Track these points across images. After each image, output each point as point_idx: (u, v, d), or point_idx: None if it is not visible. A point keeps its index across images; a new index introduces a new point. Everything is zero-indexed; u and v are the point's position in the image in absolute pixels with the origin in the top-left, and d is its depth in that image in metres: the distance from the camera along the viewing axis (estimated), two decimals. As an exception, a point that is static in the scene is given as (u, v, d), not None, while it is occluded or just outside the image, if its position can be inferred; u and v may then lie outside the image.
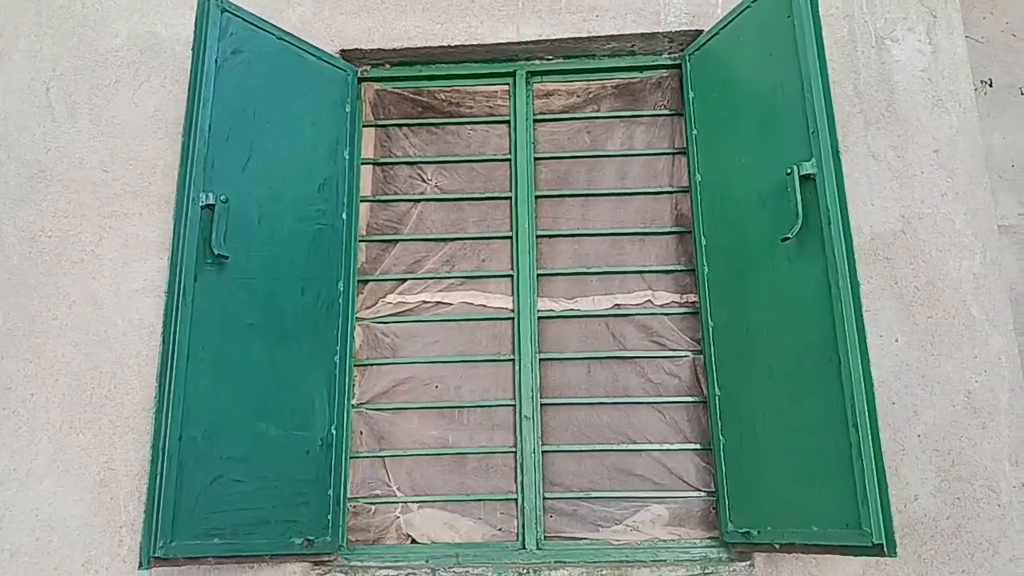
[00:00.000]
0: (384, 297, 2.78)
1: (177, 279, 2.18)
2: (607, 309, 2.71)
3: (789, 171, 2.16)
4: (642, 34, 2.78)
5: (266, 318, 2.38)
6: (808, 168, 2.13)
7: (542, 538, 2.49)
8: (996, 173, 3.44)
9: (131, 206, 2.67)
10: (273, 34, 2.57)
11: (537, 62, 2.90)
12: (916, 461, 2.36)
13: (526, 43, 2.81)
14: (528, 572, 2.39)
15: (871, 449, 1.93)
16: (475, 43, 2.80)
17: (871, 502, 1.90)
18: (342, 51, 2.82)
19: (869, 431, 1.95)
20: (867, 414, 1.96)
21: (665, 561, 2.41)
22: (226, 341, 2.26)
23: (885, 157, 2.59)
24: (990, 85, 3.87)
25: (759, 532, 2.26)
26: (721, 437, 2.45)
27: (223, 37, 2.40)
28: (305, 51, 2.66)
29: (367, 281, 2.78)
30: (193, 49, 2.37)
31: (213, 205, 2.24)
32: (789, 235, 2.13)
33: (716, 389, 2.49)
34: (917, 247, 2.51)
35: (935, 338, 2.44)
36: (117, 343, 2.55)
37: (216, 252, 2.22)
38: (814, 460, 2.08)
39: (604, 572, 2.37)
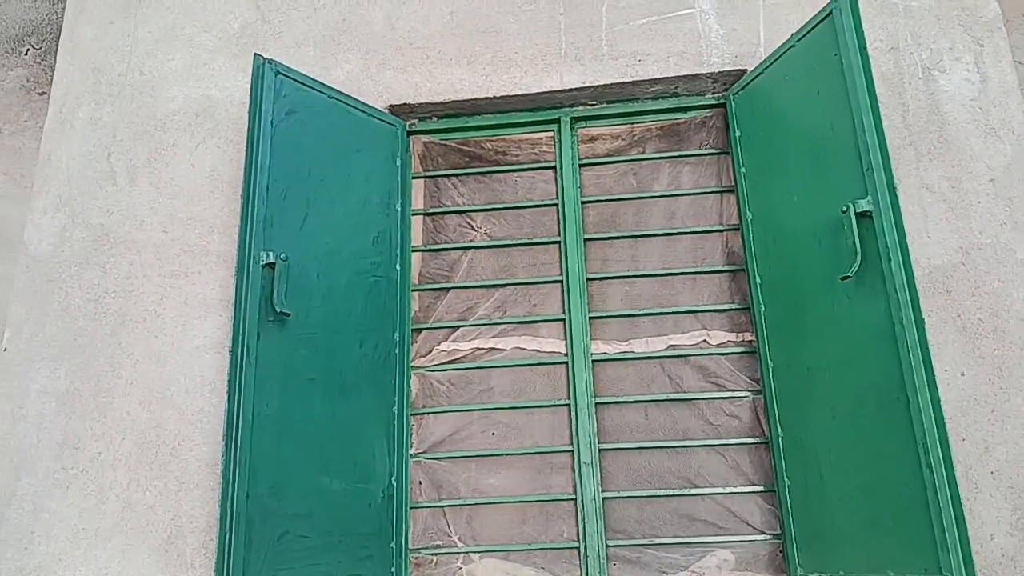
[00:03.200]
0: (438, 345, 2.80)
1: (240, 338, 2.23)
2: (662, 350, 2.70)
3: (845, 209, 2.15)
4: (685, 76, 2.80)
5: (326, 372, 2.41)
6: (864, 205, 2.11)
7: (607, 586, 2.47)
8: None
9: (191, 265, 2.74)
10: (324, 93, 2.63)
11: (581, 108, 2.93)
12: (990, 499, 2.29)
13: (570, 90, 2.84)
14: (595, 622, 2.36)
15: (947, 490, 1.89)
16: (520, 93, 2.85)
17: (951, 545, 1.86)
18: (390, 106, 2.88)
19: (944, 472, 1.90)
20: (941, 454, 1.92)
21: (734, 608, 2.37)
22: (289, 397, 2.29)
23: (939, 188, 2.56)
24: (1036, 107, 3.81)
25: (831, 577, 2.21)
26: (786, 479, 2.41)
27: (277, 99, 2.47)
28: (355, 108, 2.72)
29: (421, 330, 2.81)
30: (249, 112, 2.44)
31: (274, 264, 2.29)
32: (849, 274, 2.11)
33: (778, 430, 2.45)
34: (978, 278, 2.46)
35: (1003, 371, 2.39)
36: (180, 400, 2.60)
37: (278, 310, 2.26)
38: (886, 502, 2.03)
39: (672, 621, 2.33)
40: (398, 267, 2.73)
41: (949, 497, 1.88)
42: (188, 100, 2.95)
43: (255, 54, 2.48)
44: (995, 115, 2.63)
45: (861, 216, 2.13)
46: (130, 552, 2.47)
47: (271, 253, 2.30)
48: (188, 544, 2.45)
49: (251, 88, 2.46)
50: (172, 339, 2.67)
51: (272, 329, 2.28)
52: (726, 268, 2.74)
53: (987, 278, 2.46)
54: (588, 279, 2.78)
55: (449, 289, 2.86)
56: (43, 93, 4.16)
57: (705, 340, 2.68)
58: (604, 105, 2.93)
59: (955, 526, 1.87)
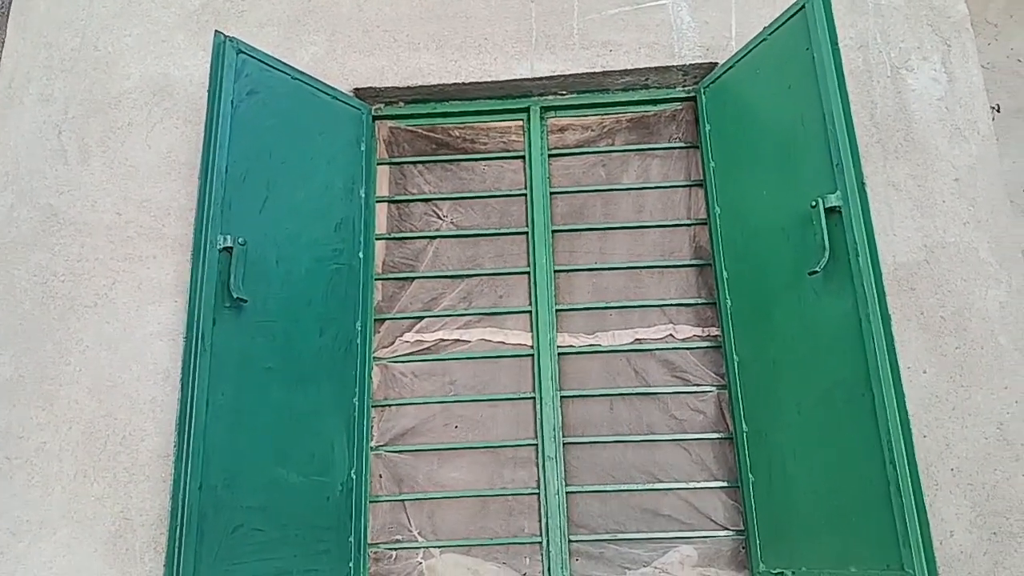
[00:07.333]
0: (401, 336, 2.74)
1: (195, 324, 2.15)
2: (628, 344, 2.67)
3: (814, 204, 2.14)
4: (656, 68, 2.78)
5: (284, 361, 2.34)
6: (833, 200, 2.10)
7: (568, 582, 2.44)
8: (1008, 198, 3.44)
9: (145, 249, 2.64)
10: (288, 74, 2.55)
11: (551, 97, 2.89)
12: (950, 496, 2.31)
13: (540, 79, 2.80)
14: (556, 618, 2.33)
15: (910, 486, 1.89)
16: (489, 80, 2.79)
17: (913, 541, 1.86)
18: (356, 90, 2.81)
19: (907, 468, 1.90)
20: (904, 450, 1.92)
21: (696, 604, 2.36)
22: (244, 386, 2.22)
23: (905, 187, 2.57)
24: (997, 110, 3.88)
25: (793, 572, 2.20)
26: (750, 475, 2.40)
27: (238, 78, 2.39)
28: (320, 90, 2.65)
29: (384, 320, 2.75)
30: (209, 91, 2.36)
31: (231, 248, 2.21)
32: (817, 268, 2.10)
33: (743, 425, 2.44)
34: (942, 276, 2.48)
35: (964, 369, 2.40)
36: (131, 388, 2.50)
37: (235, 295, 2.18)
38: (850, 498, 2.03)
39: (634, 617, 2.31)
40: (361, 255, 2.66)
41: (912, 494, 1.89)
42: (145, 78, 2.84)
43: (216, 31, 2.39)
44: (961, 115, 2.64)
45: (830, 211, 2.12)
46: (76, 546, 2.37)
47: (229, 237, 2.22)
48: (137, 537, 2.36)
49: (211, 67, 2.37)
50: (124, 325, 2.57)
51: (228, 316, 2.20)
52: (693, 262, 2.73)
53: (950, 276, 2.48)
54: (555, 271, 2.75)
55: (414, 279, 2.80)
56: (-7, 69, 3.99)
57: (671, 334, 2.66)
58: (574, 95, 2.89)
59: (917, 522, 1.87)
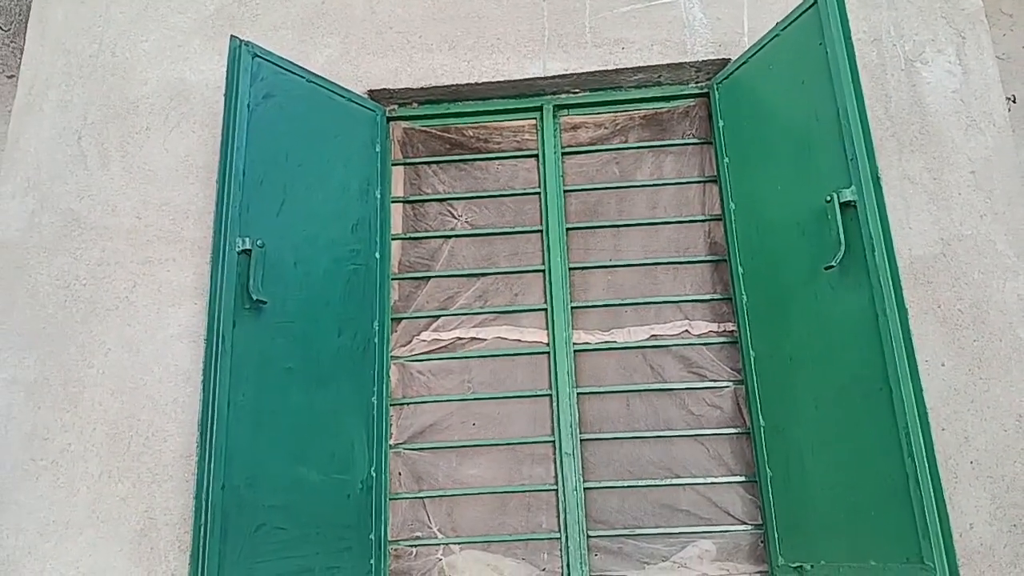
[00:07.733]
0: (418, 335, 2.76)
1: (216, 326, 2.17)
2: (644, 340, 2.68)
3: (829, 198, 2.14)
4: (668, 64, 2.78)
5: (304, 361, 2.36)
6: (848, 195, 2.10)
7: (588, 577, 2.45)
8: (1025, 190, 3.42)
9: (164, 252, 2.67)
10: (303, 77, 2.58)
11: (564, 96, 2.90)
12: (970, 488, 2.30)
13: (552, 77, 2.81)
14: (576, 613, 2.34)
15: (929, 480, 1.89)
16: (502, 79, 2.81)
17: (932, 535, 1.86)
18: (370, 91, 2.83)
19: (926, 461, 1.90)
20: (923, 444, 1.91)
21: (715, 598, 2.37)
22: (265, 387, 2.25)
23: (921, 180, 2.57)
24: (1013, 101, 3.86)
25: (812, 567, 2.20)
26: (768, 469, 2.40)
27: (254, 82, 2.41)
28: (334, 93, 2.67)
29: (401, 319, 2.77)
30: (225, 95, 2.38)
31: (250, 250, 2.24)
32: (832, 263, 2.10)
33: (760, 420, 2.45)
34: (959, 270, 2.47)
35: (982, 362, 2.40)
36: (154, 390, 2.54)
37: (254, 297, 2.21)
38: (869, 492, 2.03)
39: (654, 612, 2.32)
40: (377, 255, 2.68)
41: (931, 487, 1.88)
42: (162, 83, 2.87)
43: (231, 36, 2.42)
44: (976, 107, 2.63)
45: (845, 206, 2.12)
46: (102, 545, 2.41)
47: (247, 239, 2.24)
48: (162, 537, 2.40)
49: (227, 71, 2.39)
50: (145, 327, 2.60)
51: (248, 317, 2.23)
52: (709, 258, 2.73)
53: (968, 269, 2.47)
54: (570, 268, 2.76)
55: (430, 278, 2.82)
56: (12, 76, 4.06)
57: (687, 330, 2.67)
58: (587, 93, 2.90)
59: (936, 515, 1.87)
